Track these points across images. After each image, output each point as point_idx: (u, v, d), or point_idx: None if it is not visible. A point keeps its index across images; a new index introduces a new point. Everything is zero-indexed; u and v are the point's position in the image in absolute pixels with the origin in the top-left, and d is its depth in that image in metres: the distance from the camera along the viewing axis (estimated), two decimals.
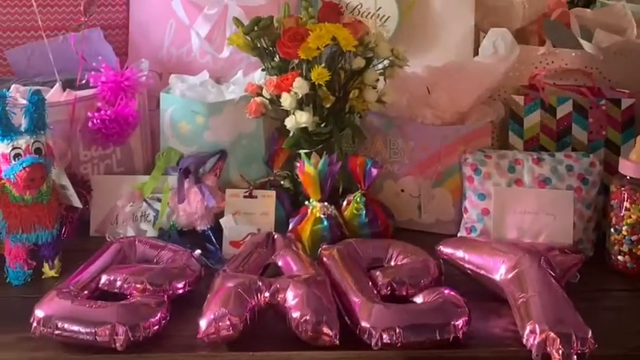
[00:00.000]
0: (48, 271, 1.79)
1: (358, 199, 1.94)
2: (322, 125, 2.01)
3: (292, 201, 2.04)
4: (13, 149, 1.73)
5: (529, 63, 2.25)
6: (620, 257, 1.84)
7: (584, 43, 2.28)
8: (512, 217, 1.92)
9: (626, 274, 1.85)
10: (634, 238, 1.84)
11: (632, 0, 2.67)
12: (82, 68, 2.11)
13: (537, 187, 1.94)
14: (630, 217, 1.84)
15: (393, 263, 1.74)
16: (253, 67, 2.23)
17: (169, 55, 2.37)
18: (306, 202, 1.94)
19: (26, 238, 1.77)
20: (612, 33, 2.31)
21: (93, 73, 2.10)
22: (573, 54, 2.25)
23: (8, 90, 1.88)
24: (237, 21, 2.10)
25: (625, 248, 1.84)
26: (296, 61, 1.99)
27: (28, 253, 1.78)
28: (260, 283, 1.52)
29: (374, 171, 1.94)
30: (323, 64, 1.97)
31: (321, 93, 1.97)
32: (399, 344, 1.46)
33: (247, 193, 1.94)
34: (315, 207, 1.91)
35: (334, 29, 1.96)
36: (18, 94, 1.91)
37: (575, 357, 1.40)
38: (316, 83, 1.95)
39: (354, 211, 1.95)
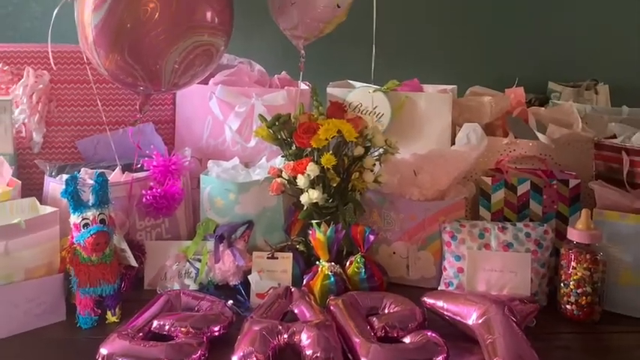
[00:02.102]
0: (110, 318, 1.79)
1: (359, 260, 1.93)
2: (330, 201, 2.02)
3: (306, 261, 2.03)
4: (82, 220, 1.75)
5: (495, 151, 2.24)
6: (568, 306, 1.85)
7: (539, 135, 2.29)
8: (481, 274, 1.91)
9: (573, 320, 1.85)
10: (579, 291, 1.85)
11: (577, 100, 2.73)
12: (137, 155, 2.13)
13: (502, 250, 1.92)
14: (576, 274, 1.85)
15: (386, 311, 1.75)
16: (274, 154, 2.24)
17: (207, 145, 2.38)
18: (317, 262, 1.94)
19: (93, 291, 1.77)
20: (562, 127, 2.33)
21: (146, 158, 2.11)
22: (531, 144, 2.25)
23: (79, 172, 1.94)
24: (262, 117, 2.12)
25: (572, 299, 1.85)
26: (309, 149, 2.03)
27: (94, 303, 1.77)
28: (280, 327, 1.54)
29: (371, 237, 1.94)
30: (330, 152, 2.00)
31: (329, 175, 2.00)
32: None
33: (270, 255, 1.94)
34: (324, 266, 1.91)
35: (339, 124, 2.00)
36: (87, 176, 1.98)
37: None
38: (325, 167, 1.98)
39: (355, 270, 1.93)
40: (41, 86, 2.23)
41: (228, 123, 2.35)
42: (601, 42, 3.19)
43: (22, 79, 2.22)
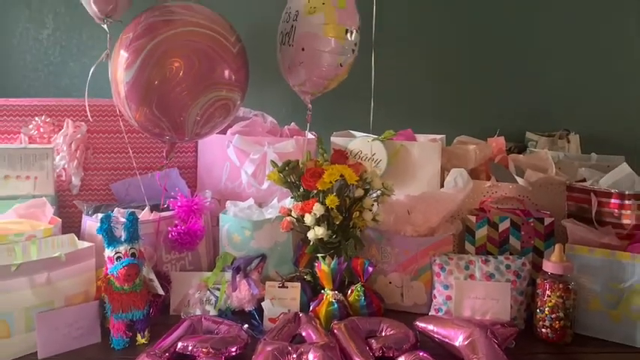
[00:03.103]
0: (140, 340, 1.79)
1: (359, 289, 1.93)
2: (333, 237, 2.00)
3: (312, 290, 2.02)
4: (115, 253, 1.76)
5: (479, 193, 2.24)
6: (543, 330, 1.85)
7: (518, 179, 2.28)
8: (467, 301, 1.90)
9: (547, 342, 1.85)
10: (553, 316, 1.84)
11: (551, 148, 2.72)
12: (164, 196, 2.14)
13: (485, 280, 1.92)
14: (550, 302, 1.84)
15: (383, 334, 1.77)
16: (285, 195, 2.24)
17: (226, 187, 2.38)
18: (322, 291, 1.93)
19: (125, 316, 1.77)
20: (538, 172, 2.32)
21: (172, 199, 2.12)
22: (511, 186, 2.24)
23: (112, 212, 1.96)
24: (274, 163, 2.11)
25: (547, 323, 1.84)
26: (315, 191, 2.02)
27: (126, 327, 1.77)
28: (290, 348, 1.57)
29: (370, 269, 1.94)
30: (334, 193, 1.99)
31: (332, 214, 1.98)
32: None
33: (281, 284, 1.93)
34: (329, 294, 1.90)
35: (342, 169, 1.99)
36: (119, 215, 1.99)
37: None
38: (329, 207, 1.97)
39: (356, 297, 1.92)
40: (79, 136, 2.25)
41: (244, 168, 2.35)
42: (572, 96, 3.19)
43: (63, 130, 2.24)
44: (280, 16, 2.26)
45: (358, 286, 1.95)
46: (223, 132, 2.33)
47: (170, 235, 2.03)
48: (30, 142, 2.21)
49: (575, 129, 3.03)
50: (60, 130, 2.25)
